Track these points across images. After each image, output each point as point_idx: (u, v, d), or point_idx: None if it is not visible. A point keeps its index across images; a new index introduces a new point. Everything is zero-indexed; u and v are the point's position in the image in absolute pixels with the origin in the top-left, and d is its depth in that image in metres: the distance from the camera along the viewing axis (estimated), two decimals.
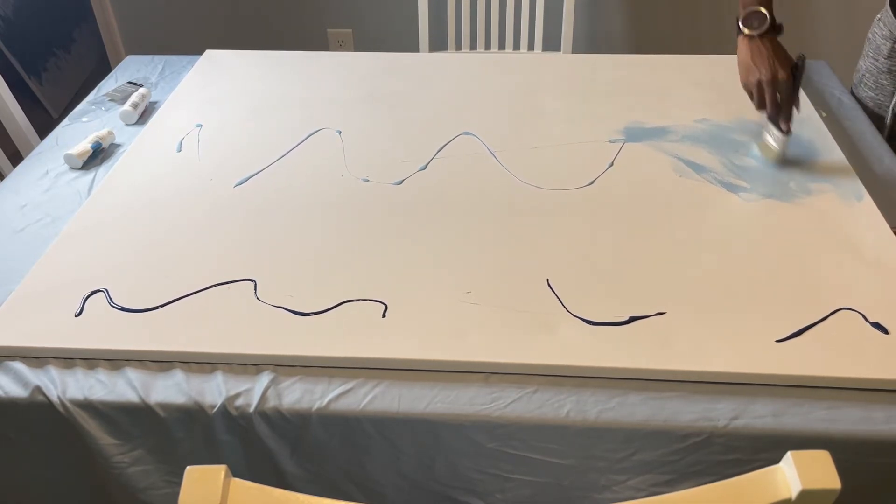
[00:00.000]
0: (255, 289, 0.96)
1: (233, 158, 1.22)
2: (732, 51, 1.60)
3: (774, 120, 1.13)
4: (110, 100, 1.43)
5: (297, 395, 0.84)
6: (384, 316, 0.91)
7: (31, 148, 1.39)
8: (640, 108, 1.32)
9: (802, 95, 1.34)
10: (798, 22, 2.33)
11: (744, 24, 1.13)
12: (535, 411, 0.82)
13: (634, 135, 1.25)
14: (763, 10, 1.12)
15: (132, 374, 0.87)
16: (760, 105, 1.13)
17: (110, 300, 0.95)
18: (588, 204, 1.10)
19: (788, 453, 0.58)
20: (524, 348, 0.87)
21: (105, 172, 1.22)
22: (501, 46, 1.90)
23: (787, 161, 1.17)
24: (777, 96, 1.11)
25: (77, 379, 0.87)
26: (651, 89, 1.38)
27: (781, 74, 1.09)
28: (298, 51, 1.56)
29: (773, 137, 1.16)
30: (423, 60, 1.56)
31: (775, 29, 1.13)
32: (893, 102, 1.27)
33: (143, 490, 0.90)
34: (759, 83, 1.10)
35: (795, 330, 0.88)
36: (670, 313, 0.91)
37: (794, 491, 0.57)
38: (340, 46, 2.52)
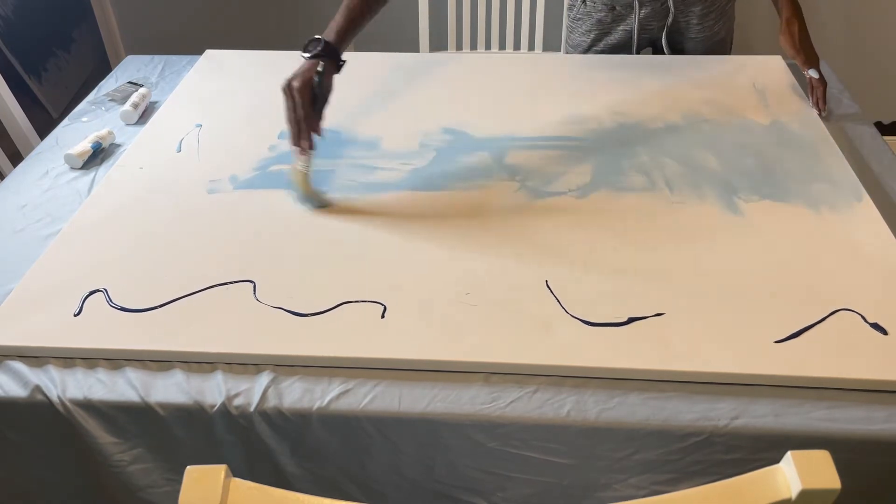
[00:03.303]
0: (255, 290, 0.96)
1: (232, 159, 1.22)
2: (731, 51, 1.61)
3: (291, 136, 1.07)
4: (110, 100, 1.43)
5: (297, 394, 0.84)
6: (383, 317, 0.91)
7: (31, 148, 1.39)
8: (639, 109, 1.32)
9: (802, 95, 1.35)
10: None
11: (303, 49, 1.09)
12: (536, 411, 0.82)
13: (634, 135, 1.25)
14: (324, 38, 1.08)
15: (132, 373, 0.87)
16: (286, 121, 1.07)
17: (109, 300, 0.95)
18: (586, 205, 1.10)
19: (788, 453, 0.58)
20: (523, 349, 0.87)
21: (105, 172, 1.22)
22: (501, 46, 1.90)
23: (313, 192, 1.09)
24: (294, 111, 1.05)
25: (77, 378, 0.87)
26: (651, 90, 1.38)
27: (297, 82, 1.04)
28: (298, 51, 1.56)
29: (298, 160, 1.08)
30: (423, 60, 1.56)
31: (323, 56, 1.08)
32: None
33: (143, 488, 0.90)
34: (283, 89, 1.06)
35: (794, 331, 0.88)
36: (669, 314, 0.91)
37: (794, 491, 0.57)
38: None
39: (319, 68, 1.07)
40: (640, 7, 1.48)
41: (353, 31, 1.15)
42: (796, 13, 1.34)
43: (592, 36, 1.56)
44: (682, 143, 1.23)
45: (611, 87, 1.39)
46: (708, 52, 1.55)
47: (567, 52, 1.66)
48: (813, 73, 1.30)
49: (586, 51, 1.58)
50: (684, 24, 1.51)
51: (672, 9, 1.47)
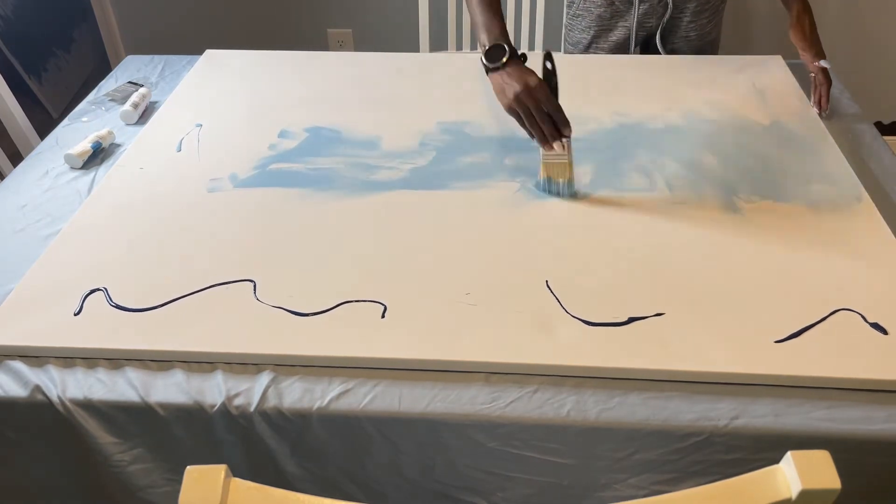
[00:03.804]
0: (255, 289, 0.96)
1: (232, 158, 1.22)
2: (731, 51, 1.61)
3: (546, 136, 1.07)
4: (110, 100, 1.43)
5: (297, 394, 0.84)
6: (383, 317, 0.91)
7: (31, 148, 1.39)
8: (639, 109, 1.32)
9: (802, 95, 1.35)
10: None
11: (487, 60, 1.12)
12: (536, 411, 0.82)
13: (634, 135, 1.25)
14: (502, 43, 1.12)
15: (132, 373, 0.87)
16: (532, 127, 1.08)
17: (109, 299, 0.95)
18: (587, 204, 1.10)
19: (789, 453, 0.58)
20: (523, 349, 0.87)
21: (105, 172, 1.22)
22: None
23: (573, 178, 1.10)
24: (542, 110, 1.07)
25: (77, 378, 0.87)
26: (651, 89, 1.38)
27: (532, 81, 1.07)
28: (298, 51, 1.56)
29: (552, 155, 1.08)
30: (423, 60, 1.56)
31: (515, 57, 1.11)
32: None
33: (143, 488, 0.90)
34: (518, 98, 1.07)
35: (795, 330, 0.88)
36: (669, 314, 0.91)
37: (794, 491, 0.57)
38: (340, 46, 2.52)
39: (548, 64, 1.10)
40: (640, 2, 1.48)
41: (504, 22, 1.18)
42: (806, 9, 1.37)
43: (592, 33, 1.56)
44: (682, 143, 1.23)
45: (611, 87, 1.39)
46: (698, 51, 1.55)
47: (566, 51, 1.65)
48: (825, 64, 1.31)
49: (586, 48, 1.58)
50: (678, 22, 1.51)
51: (670, 4, 1.47)
